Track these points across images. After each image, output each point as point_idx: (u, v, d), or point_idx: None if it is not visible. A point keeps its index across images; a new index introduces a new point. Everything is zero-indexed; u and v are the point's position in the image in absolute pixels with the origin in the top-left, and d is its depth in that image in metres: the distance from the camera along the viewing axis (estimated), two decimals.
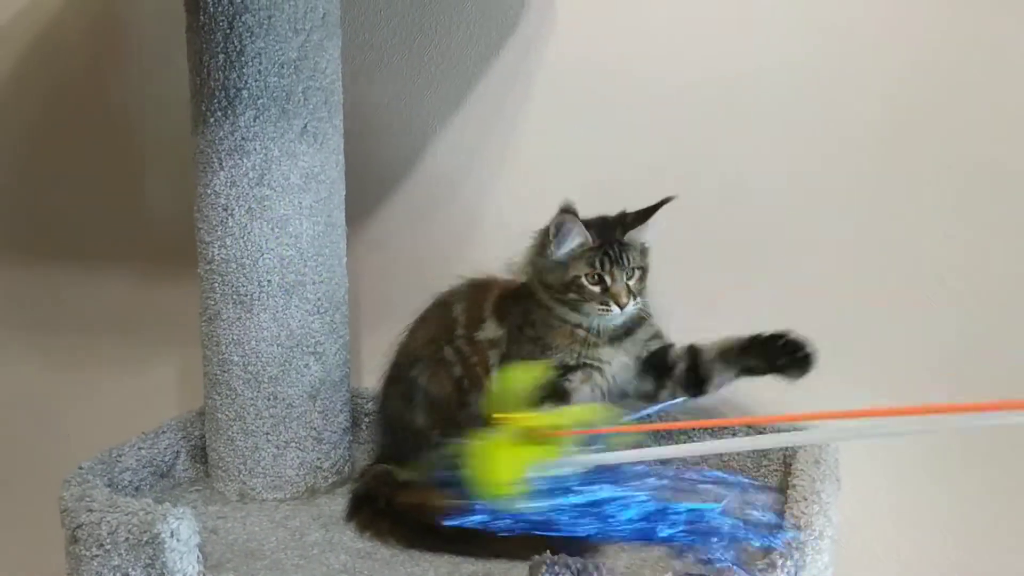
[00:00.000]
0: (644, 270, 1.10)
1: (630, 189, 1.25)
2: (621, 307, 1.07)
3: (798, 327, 1.20)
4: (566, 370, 1.10)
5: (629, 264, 1.08)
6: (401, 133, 1.36)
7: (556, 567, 0.79)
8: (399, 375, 1.18)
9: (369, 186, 1.37)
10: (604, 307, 1.07)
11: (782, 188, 1.21)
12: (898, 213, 1.17)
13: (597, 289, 1.07)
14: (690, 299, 1.19)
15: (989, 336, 1.15)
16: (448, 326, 1.16)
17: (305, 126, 1.12)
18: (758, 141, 1.21)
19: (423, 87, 1.34)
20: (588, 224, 1.08)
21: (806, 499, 0.96)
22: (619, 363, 1.11)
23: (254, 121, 1.10)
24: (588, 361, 1.10)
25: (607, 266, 1.07)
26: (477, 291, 1.17)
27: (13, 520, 1.69)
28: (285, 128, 1.11)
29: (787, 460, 1.15)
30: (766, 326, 1.20)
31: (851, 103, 1.17)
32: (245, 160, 1.11)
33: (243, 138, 1.10)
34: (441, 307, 1.18)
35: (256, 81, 1.09)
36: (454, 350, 1.14)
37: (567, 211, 1.07)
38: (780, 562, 0.82)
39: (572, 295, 1.08)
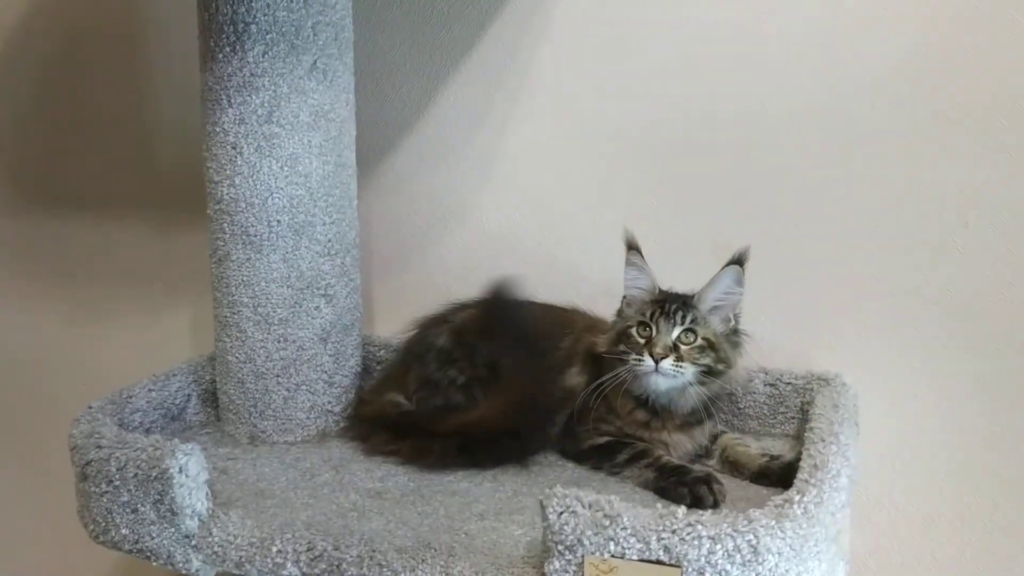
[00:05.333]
0: (711, 343, 1.02)
1: (648, 131, 1.23)
2: (654, 359, 1.00)
3: (815, 274, 1.19)
4: (628, 435, 1.06)
5: (681, 321, 1.02)
6: (413, 75, 1.33)
7: (567, 500, 0.78)
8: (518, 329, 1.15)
9: (381, 130, 1.35)
10: (638, 358, 1.01)
11: (799, 129, 1.17)
12: (920, 154, 1.13)
13: (642, 341, 1.02)
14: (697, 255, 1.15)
15: (1013, 280, 1.12)
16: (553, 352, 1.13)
17: (315, 62, 1.10)
18: (775, 79, 1.17)
19: (435, 27, 1.31)
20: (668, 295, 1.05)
21: (824, 440, 0.94)
22: (684, 449, 1.06)
23: (263, 56, 1.08)
24: (650, 442, 1.06)
25: (655, 316, 1.02)
26: (587, 332, 1.13)
27: (28, 467, 1.70)
28: (294, 64, 1.09)
29: (804, 408, 1.14)
30: (785, 276, 1.19)
31: (870, 42, 1.13)
32: (254, 97, 1.09)
33: (251, 74, 1.08)
34: (558, 325, 1.15)
35: (265, 15, 1.07)
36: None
37: (630, 247, 1.05)
38: (797, 499, 0.80)
39: (621, 346, 1.03)
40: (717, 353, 1.03)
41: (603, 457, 1.06)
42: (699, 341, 1.02)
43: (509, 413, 1.06)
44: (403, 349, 1.23)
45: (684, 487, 0.96)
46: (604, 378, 1.04)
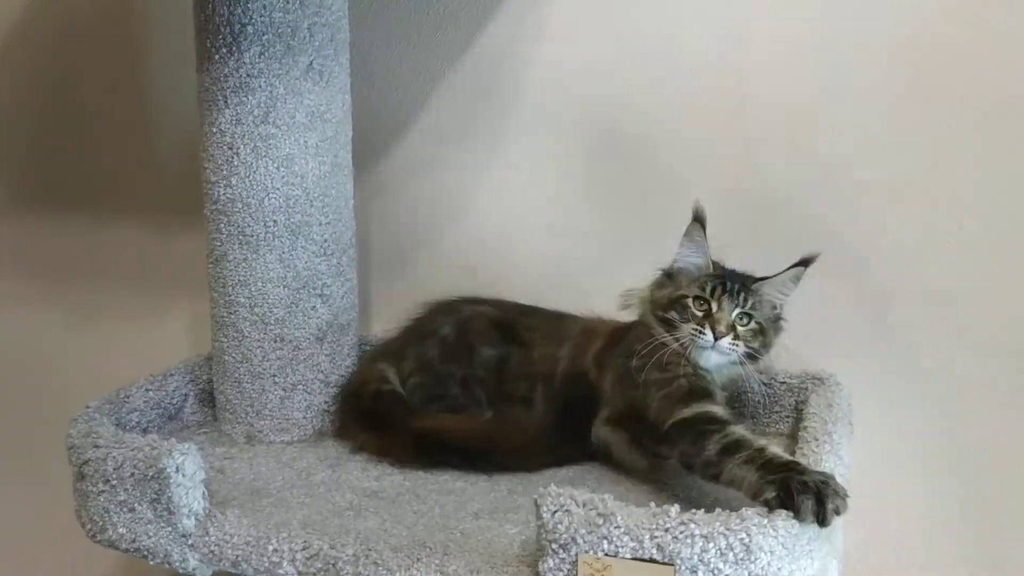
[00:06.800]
0: (762, 328, 1.03)
1: (643, 134, 1.24)
2: (715, 336, 0.99)
3: (811, 273, 1.18)
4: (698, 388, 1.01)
5: (743, 303, 1.02)
6: (409, 76, 1.34)
7: (561, 498, 0.78)
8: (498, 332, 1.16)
9: (377, 131, 1.35)
10: (698, 330, 1.00)
11: (793, 130, 1.18)
12: (915, 155, 1.14)
13: (700, 314, 1.02)
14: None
15: (1007, 281, 1.13)
16: (551, 363, 1.12)
17: (311, 63, 1.10)
18: (768, 80, 1.18)
19: (431, 29, 1.32)
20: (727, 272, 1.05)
21: (817, 439, 0.95)
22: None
23: (259, 57, 1.08)
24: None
25: (717, 293, 1.02)
26: (587, 336, 1.13)
27: (25, 467, 1.70)
28: (290, 65, 1.09)
29: (798, 407, 1.14)
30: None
31: (865, 43, 1.14)
32: (250, 97, 1.09)
33: (248, 75, 1.09)
34: (554, 336, 1.14)
35: (261, 16, 1.07)
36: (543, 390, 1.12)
37: (696, 219, 1.04)
38: None
39: (672, 313, 1.02)
40: (764, 338, 1.04)
41: (690, 444, 0.91)
42: (753, 324, 1.03)
43: (488, 438, 1.09)
44: (408, 325, 1.23)
45: (808, 496, 0.78)
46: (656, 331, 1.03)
